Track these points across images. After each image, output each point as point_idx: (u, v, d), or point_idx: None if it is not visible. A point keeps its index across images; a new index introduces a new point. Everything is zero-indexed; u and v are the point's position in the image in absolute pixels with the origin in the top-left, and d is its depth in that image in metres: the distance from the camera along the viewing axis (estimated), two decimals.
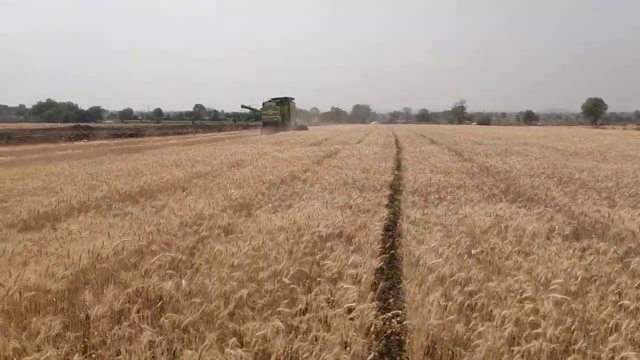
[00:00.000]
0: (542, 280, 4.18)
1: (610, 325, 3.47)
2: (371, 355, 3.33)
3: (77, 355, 3.09)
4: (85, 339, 3.51)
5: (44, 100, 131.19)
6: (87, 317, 3.66)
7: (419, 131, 54.26)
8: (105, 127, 64.28)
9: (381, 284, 4.57)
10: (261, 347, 3.27)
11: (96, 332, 3.47)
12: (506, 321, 3.45)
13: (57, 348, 3.09)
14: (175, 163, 15.14)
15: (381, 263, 5.01)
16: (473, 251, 5.04)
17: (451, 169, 13.52)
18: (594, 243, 5.41)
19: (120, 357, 3.15)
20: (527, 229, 5.85)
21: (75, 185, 10.06)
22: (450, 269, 4.38)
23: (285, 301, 3.90)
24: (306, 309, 3.82)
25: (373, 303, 3.75)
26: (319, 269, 4.79)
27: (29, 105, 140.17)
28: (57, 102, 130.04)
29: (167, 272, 4.45)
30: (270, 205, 7.97)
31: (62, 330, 3.37)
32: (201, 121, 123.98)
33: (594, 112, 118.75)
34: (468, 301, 3.86)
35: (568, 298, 3.78)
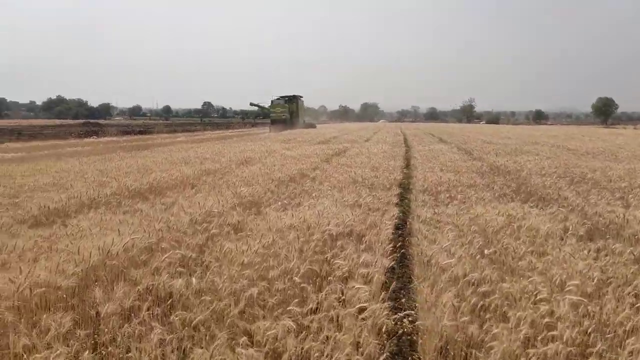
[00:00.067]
0: (557, 282, 4.10)
1: (627, 328, 3.40)
2: (383, 356, 3.28)
3: (87, 352, 3.08)
4: (96, 336, 3.50)
5: (54, 96, 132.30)
6: (98, 314, 3.64)
7: (427, 130, 54.09)
8: (115, 124, 64.67)
9: (393, 283, 4.51)
10: (272, 347, 3.24)
11: (106, 330, 3.45)
12: (521, 323, 3.39)
13: (68, 346, 3.07)
14: (184, 160, 15.16)
15: (392, 262, 4.96)
16: (486, 251, 4.98)
17: (461, 168, 13.43)
18: (609, 244, 5.33)
19: (130, 354, 3.12)
20: (541, 229, 5.77)
21: (85, 182, 10.08)
22: (463, 269, 4.32)
23: (296, 300, 3.86)
24: (317, 308, 3.78)
25: (385, 303, 3.69)
26: (329, 267, 4.75)
27: (39, 102, 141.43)
28: (67, 98, 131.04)
29: (177, 269, 4.43)
30: (279, 203, 7.94)
31: (72, 328, 3.35)
32: (209, 119, 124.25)
33: (605, 112, 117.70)
34: (481, 302, 3.80)
35: (584, 300, 3.72)
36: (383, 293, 3.98)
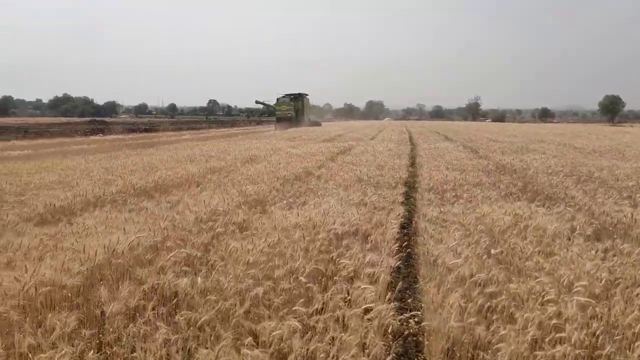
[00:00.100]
0: (564, 283, 4.06)
1: (637, 330, 3.36)
2: (389, 357, 3.25)
3: (92, 352, 3.07)
4: (101, 336, 3.49)
5: (60, 94, 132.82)
6: (103, 313, 3.64)
7: (432, 128, 53.95)
8: (120, 121, 64.90)
9: (399, 284, 4.48)
10: (277, 347, 3.22)
11: (111, 329, 3.44)
12: (529, 324, 3.35)
13: (73, 345, 3.06)
14: (190, 158, 15.17)
15: (398, 262, 4.93)
16: (492, 251, 4.94)
17: (467, 167, 13.37)
18: (617, 244, 5.28)
19: (135, 354, 3.11)
20: (548, 228, 5.72)
21: (91, 180, 10.11)
22: (469, 269, 4.28)
23: (302, 300, 3.84)
24: (322, 308, 3.76)
25: (392, 304, 3.66)
26: (335, 267, 4.72)
27: (45, 100, 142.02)
28: (73, 96, 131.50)
29: (182, 268, 4.42)
30: (284, 201, 7.92)
31: (77, 327, 3.35)
32: (215, 116, 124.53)
33: (611, 110, 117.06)
34: (488, 303, 3.77)
35: (592, 301, 3.68)
36: (389, 293, 3.95)
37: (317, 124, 58.77)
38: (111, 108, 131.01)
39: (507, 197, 8.60)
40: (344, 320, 3.56)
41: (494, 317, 3.64)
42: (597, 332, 3.32)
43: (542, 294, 3.84)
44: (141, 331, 3.32)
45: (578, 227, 6.00)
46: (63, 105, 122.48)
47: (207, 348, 3.12)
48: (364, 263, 4.62)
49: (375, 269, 4.46)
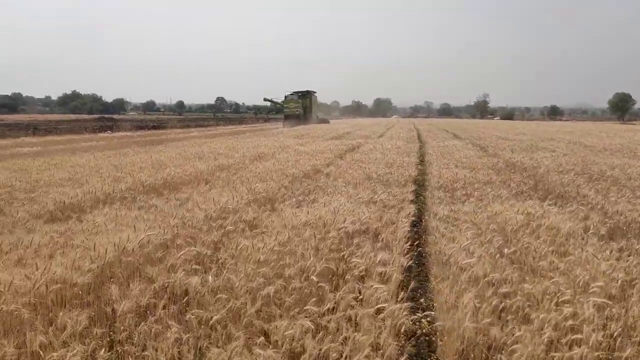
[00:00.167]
0: (580, 283, 3.99)
1: None
2: (403, 358, 3.21)
3: (103, 350, 3.05)
4: (112, 334, 3.47)
5: (69, 92, 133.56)
6: (114, 311, 3.62)
7: (441, 125, 53.71)
8: (129, 119, 65.03)
9: (412, 283, 4.44)
10: (289, 347, 3.18)
11: (122, 328, 3.42)
12: (545, 325, 3.30)
13: (84, 344, 3.04)
14: (198, 155, 15.16)
15: (410, 261, 4.88)
16: (506, 251, 4.87)
17: (476, 165, 13.27)
18: (632, 244, 5.21)
19: (146, 353, 3.09)
20: (561, 228, 5.64)
21: (100, 177, 10.11)
22: (483, 269, 4.23)
23: (313, 299, 3.80)
24: (334, 307, 3.72)
25: (405, 304, 3.61)
26: (346, 266, 4.69)
27: (54, 97, 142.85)
28: (82, 93, 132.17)
29: (193, 267, 4.39)
30: (294, 199, 7.89)
31: (88, 325, 3.33)
32: (222, 114, 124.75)
33: (621, 108, 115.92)
34: (503, 303, 3.71)
35: (609, 302, 3.61)
36: (402, 293, 3.91)
37: (325, 121, 58.70)
38: (119, 105, 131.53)
39: (519, 196, 8.52)
40: (356, 320, 3.53)
41: (508, 317, 3.59)
42: (615, 334, 3.26)
43: (558, 294, 3.78)
44: (152, 329, 3.29)
45: (592, 226, 5.92)
46: (72, 102, 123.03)
47: (218, 347, 3.09)
48: (375, 262, 4.58)
49: (387, 268, 4.42)
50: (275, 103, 58.84)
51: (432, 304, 4.27)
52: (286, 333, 3.21)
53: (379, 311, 3.60)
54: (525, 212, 6.58)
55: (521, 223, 5.97)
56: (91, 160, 13.86)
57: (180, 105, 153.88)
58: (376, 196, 8.04)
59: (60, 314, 3.35)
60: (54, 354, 2.91)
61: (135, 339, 3.28)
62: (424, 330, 3.85)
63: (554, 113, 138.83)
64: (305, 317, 3.48)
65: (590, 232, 5.70)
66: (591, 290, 3.80)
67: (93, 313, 3.59)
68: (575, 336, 3.21)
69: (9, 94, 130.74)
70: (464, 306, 3.51)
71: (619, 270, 4.28)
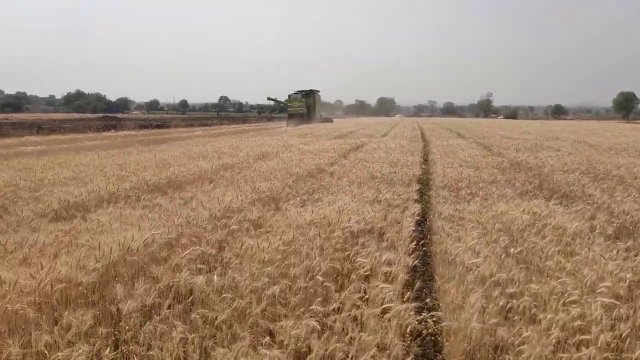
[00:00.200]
0: (587, 283, 3.96)
1: None
2: (409, 359, 3.19)
3: (108, 350, 3.04)
4: (117, 333, 3.46)
5: (73, 91, 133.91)
6: (118, 311, 3.61)
7: (444, 124, 53.63)
8: (132, 118, 65.16)
9: (417, 283, 4.41)
10: (294, 347, 3.17)
11: (127, 327, 3.41)
12: (552, 326, 3.27)
13: (89, 344, 3.03)
14: (202, 154, 15.17)
15: (415, 261, 4.86)
16: (512, 250, 4.84)
17: (481, 164, 13.23)
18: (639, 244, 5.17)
19: (151, 352, 3.08)
20: (568, 227, 5.61)
21: (105, 176, 10.12)
22: (489, 268, 4.20)
23: (319, 299, 3.78)
24: (339, 307, 3.70)
25: (411, 304, 3.59)
26: (351, 265, 4.67)
27: (58, 96, 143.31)
28: (86, 93, 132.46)
29: (198, 266, 4.38)
30: (298, 198, 7.87)
31: (93, 324, 3.32)
32: (226, 113, 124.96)
33: (626, 107, 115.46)
34: (510, 304, 3.69)
35: (617, 302, 3.58)
36: (408, 293, 3.88)
37: (329, 120, 58.72)
38: (123, 104, 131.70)
39: (524, 195, 8.48)
40: (361, 320, 3.50)
41: (515, 318, 3.57)
42: (624, 335, 3.23)
43: (565, 294, 3.74)
44: (157, 329, 3.28)
45: (598, 226, 5.88)
46: (76, 101, 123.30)
47: (224, 347, 3.07)
48: (380, 261, 4.55)
49: (392, 267, 4.40)
50: (279, 102, 58.92)
51: (438, 304, 4.25)
52: (292, 333, 3.19)
53: (384, 311, 3.58)
54: (531, 211, 6.54)
55: (527, 223, 5.94)
56: (95, 159, 13.88)
57: (184, 104, 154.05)
58: (380, 195, 8.01)
59: (65, 313, 3.34)
60: (59, 353, 2.90)
61: (141, 338, 3.26)
62: (430, 331, 3.83)
63: (557, 112, 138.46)
64: (311, 316, 3.46)
65: (597, 231, 5.66)
66: (599, 291, 3.76)
67: (98, 312, 3.57)
68: (583, 337, 3.18)
69: (13, 93, 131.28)
70: (471, 306, 3.48)
71: (627, 271, 4.24)
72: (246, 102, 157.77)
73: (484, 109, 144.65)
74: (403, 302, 3.65)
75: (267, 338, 3.19)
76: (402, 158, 14.51)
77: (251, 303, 3.62)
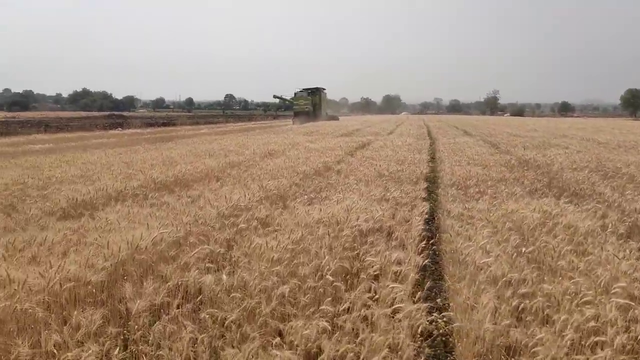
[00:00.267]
0: (601, 283, 3.90)
1: None
2: None
3: (117, 350, 3.02)
4: (126, 333, 3.45)
5: (79, 89, 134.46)
6: (127, 310, 3.59)
7: (451, 122, 53.44)
8: (139, 116, 65.42)
9: (428, 283, 4.37)
10: (304, 348, 3.13)
11: (136, 327, 3.38)
12: (567, 327, 3.22)
13: (99, 344, 3.00)
14: (209, 152, 15.16)
15: (425, 260, 4.81)
16: (523, 250, 4.78)
17: (489, 162, 13.14)
18: None
19: (161, 352, 3.05)
20: (579, 226, 5.54)
21: (112, 174, 10.12)
22: (501, 268, 4.14)
23: (329, 299, 3.75)
24: (349, 307, 3.66)
25: (423, 304, 3.54)
26: (360, 264, 4.63)
27: (65, 94, 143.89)
28: (92, 91, 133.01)
29: (206, 265, 4.35)
30: (305, 197, 7.83)
31: (102, 324, 3.30)
32: (231, 111, 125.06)
33: (633, 104, 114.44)
34: (522, 304, 3.63)
35: (632, 303, 3.52)
36: (419, 293, 3.84)
37: (335, 118, 58.66)
38: (129, 103, 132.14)
39: (533, 194, 8.41)
40: (372, 320, 3.47)
41: (528, 318, 3.52)
42: (639, 337, 3.18)
43: (579, 295, 3.69)
44: (167, 329, 3.26)
45: (610, 225, 5.81)
46: (82, 99, 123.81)
47: (234, 347, 3.04)
48: (390, 261, 4.51)
49: (402, 267, 4.36)
50: (285, 100, 58.86)
51: (449, 304, 4.21)
52: (302, 333, 3.16)
53: (395, 311, 3.54)
54: (541, 210, 6.47)
55: (537, 221, 5.87)
56: (102, 157, 13.91)
57: (190, 102, 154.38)
58: (388, 194, 7.96)
59: (75, 312, 3.32)
60: (69, 353, 2.88)
61: (150, 338, 3.24)
62: (441, 331, 3.79)
63: (564, 109, 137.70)
64: (321, 317, 3.43)
65: (609, 230, 5.59)
66: (613, 291, 3.71)
67: (107, 312, 3.55)
68: (598, 338, 3.13)
69: (21, 91, 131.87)
70: (484, 307, 3.43)
71: None
72: (252, 100, 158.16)
73: (491, 106, 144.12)
74: (414, 302, 3.61)
75: (277, 338, 3.16)
76: (409, 156, 14.45)
77: (260, 303, 3.58)
